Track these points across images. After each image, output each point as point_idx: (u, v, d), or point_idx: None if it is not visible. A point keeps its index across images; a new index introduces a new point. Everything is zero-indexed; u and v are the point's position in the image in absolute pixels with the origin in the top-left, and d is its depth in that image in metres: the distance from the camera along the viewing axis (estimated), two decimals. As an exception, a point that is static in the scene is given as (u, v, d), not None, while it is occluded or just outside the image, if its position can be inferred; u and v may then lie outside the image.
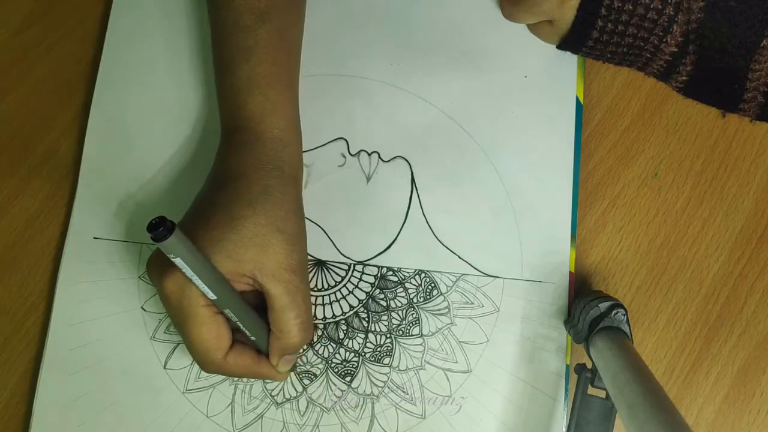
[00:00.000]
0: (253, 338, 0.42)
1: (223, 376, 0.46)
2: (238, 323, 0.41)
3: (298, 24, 0.48)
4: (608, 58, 0.49)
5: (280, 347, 0.42)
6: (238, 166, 0.42)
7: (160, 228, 0.34)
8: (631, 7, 0.44)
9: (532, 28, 0.50)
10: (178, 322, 0.40)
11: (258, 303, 0.42)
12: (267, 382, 0.47)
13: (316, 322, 0.47)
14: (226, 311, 0.40)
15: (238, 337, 0.42)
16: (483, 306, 0.47)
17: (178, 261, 0.36)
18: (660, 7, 0.44)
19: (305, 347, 0.47)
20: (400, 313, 0.47)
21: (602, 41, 0.46)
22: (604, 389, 0.41)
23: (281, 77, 0.44)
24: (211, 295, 0.38)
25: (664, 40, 0.45)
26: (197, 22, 0.51)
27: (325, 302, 0.48)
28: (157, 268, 0.40)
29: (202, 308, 0.39)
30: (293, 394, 0.46)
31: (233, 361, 0.41)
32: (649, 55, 0.47)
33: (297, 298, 0.41)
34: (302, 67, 0.50)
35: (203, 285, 0.37)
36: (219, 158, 0.44)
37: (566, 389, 0.46)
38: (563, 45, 0.49)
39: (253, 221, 0.40)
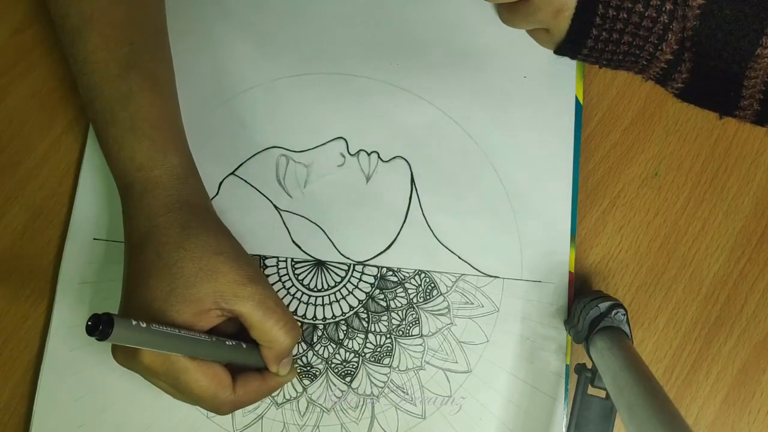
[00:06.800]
0: (242, 364, 0.42)
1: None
2: (222, 361, 0.40)
3: (167, 65, 0.47)
4: (604, 64, 0.49)
5: (274, 356, 0.42)
6: (149, 219, 0.41)
7: (99, 327, 0.31)
8: (625, 16, 0.44)
9: (530, 32, 0.50)
10: (173, 384, 0.39)
11: (237, 327, 0.42)
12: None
13: (316, 322, 0.47)
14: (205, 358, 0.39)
15: (234, 368, 0.41)
16: (483, 306, 0.47)
17: (132, 345, 0.34)
18: (655, 15, 0.44)
19: (300, 346, 0.47)
20: (400, 313, 0.47)
21: (597, 49, 0.47)
22: (604, 389, 0.41)
23: (163, 117, 0.43)
24: (181, 355, 0.38)
25: (659, 47, 0.45)
26: (193, 29, 0.51)
27: (324, 302, 0.48)
28: (126, 351, 0.39)
29: (188, 359, 0.38)
30: (293, 394, 0.46)
31: (243, 391, 0.41)
32: (645, 62, 0.47)
33: (268, 305, 0.40)
34: (301, 66, 0.50)
35: (169, 351, 0.37)
36: (127, 219, 0.42)
37: (566, 389, 0.46)
38: (559, 51, 0.49)
39: (190, 258, 0.39)
